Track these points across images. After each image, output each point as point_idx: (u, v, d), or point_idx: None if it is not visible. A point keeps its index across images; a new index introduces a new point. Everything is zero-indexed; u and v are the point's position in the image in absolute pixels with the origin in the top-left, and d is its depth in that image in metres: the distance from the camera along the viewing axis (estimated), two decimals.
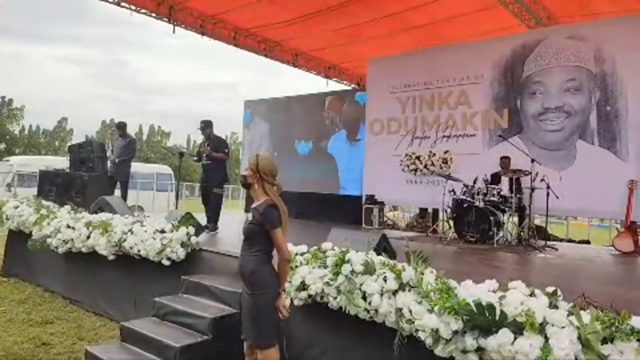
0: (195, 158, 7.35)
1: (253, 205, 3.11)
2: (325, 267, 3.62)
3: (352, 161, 10.83)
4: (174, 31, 9.90)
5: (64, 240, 6.03)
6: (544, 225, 7.83)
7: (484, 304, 2.70)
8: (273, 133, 12.61)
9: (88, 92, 78.02)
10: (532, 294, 2.79)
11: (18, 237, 7.13)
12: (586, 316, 2.53)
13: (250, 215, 3.06)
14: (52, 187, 7.95)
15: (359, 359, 3.52)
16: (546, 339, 2.53)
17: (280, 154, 12.18)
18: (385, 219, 9.89)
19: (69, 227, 6.06)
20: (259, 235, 3.00)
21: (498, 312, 2.65)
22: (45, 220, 6.49)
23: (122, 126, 9.16)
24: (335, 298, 3.48)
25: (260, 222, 2.97)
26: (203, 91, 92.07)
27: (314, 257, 3.78)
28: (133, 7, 9.27)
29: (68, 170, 8.31)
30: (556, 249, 6.93)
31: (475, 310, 2.69)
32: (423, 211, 10.79)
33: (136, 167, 16.77)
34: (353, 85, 14.03)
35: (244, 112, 13.42)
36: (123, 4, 9.12)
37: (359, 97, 11.13)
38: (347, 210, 9.81)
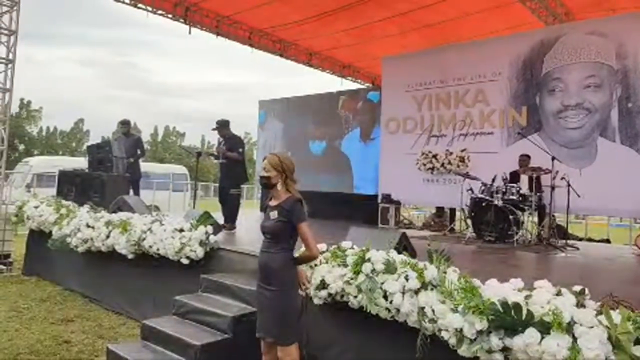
0: (214, 157, 7.38)
1: (273, 204, 3.07)
2: (346, 265, 3.59)
3: (366, 160, 10.78)
4: (189, 32, 10.00)
5: (83, 240, 6.10)
6: (564, 224, 7.71)
7: (509, 303, 2.65)
8: (287, 133, 12.61)
9: (101, 94, 79.01)
10: (558, 293, 2.74)
11: (38, 237, 7.23)
12: (616, 316, 2.47)
13: (274, 212, 3.02)
14: (71, 187, 8.03)
15: (380, 358, 3.49)
16: (574, 339, 2.48)
17: (294, 153, 12.12)
18: (401, 218, 9.83)
19: (88, 226, 6.12)
20: (285, 233, 2.99)
21: (524, 312, 2.60)
22: (65, 219, 6.57)
23: (126, 123, 9.17)
24: (355, 297, 3.45)
25: (288, 219, 2.96)
26: (215, 92, 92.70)
27: (334, 256, 3.75)
28: (150, 9, 9.35)
29: (86, 170, 8.39)
30: (577, 248, 6.82)
31: (500, 309, 2.64)
32: (440, 210, 10.70)
33: (152, 167, 16.97)
34: (367, 85, 14.00)
35: (258, 112, 13.43)
36: (140, 5, 9.20)
37: (372, 96, 11.09)
38: (361, 210, 9.78)
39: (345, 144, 11.40)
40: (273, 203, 3.08)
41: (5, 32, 7.65)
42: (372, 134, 10.81)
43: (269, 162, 3.07)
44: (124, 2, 9.10)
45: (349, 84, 13.83)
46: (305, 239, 2.99)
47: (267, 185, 3.09)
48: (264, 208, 3.21)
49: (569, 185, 6.63)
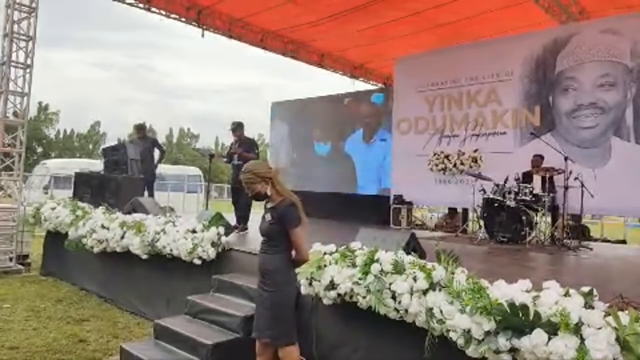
0: (226, 159, 7.45)
1: (270, 205, 3.14)
2: (354, 266, 3.61)
3: (369, 161, 10.94)
4: (202, 35, 10.11)
5: (98, 240, 6.20)
6: (586, 225, 7.63)
7: (517, 304, 2.65)
8: (293, 134, 12.75)
9: (117, 96, 79.97)
10: (566, 294, 2.73)
11: (55, 238, 7.37)
12: (625, 317, 2.46)
13: (268, 215, 3.08)
14: (87, 188, 8.16)
15: (389, 358, 3.50)
16: (582, 340, 2.47)
17: (299, 155, 12.36)
18: (413, 219, 9.81)
19: (103, 227, 6.22)
20: (280, 235, 3.04)
21: (532, 313, 2.60)
22: (80, 221, 6.68)
23: (141, 127, 9.28)
24: (364, 297, 3.46)
25: (280, 223, 3.00)
26: (228, 93, 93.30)
27: (343, 257, 3.77)
28: (163, 12, 9.47)
29: (102, 172, 8.52)
30: (591, 249, 6.75)
31: (508, 310, 2.64)
32: (452, 211, 10.66)
33: (166, 168, 17.14)
34: (381, 85, 13.99)
35: (270, 114, 13.56)
36: (153, 9, 9.33)
37: (375, 98, 11.23)
38: (374, 211, 9.78)
39: (348, 145, 11.50)
40: (269, 205, 3.16)
41: (24, 37, 7.82)
42: (375, 136, 10.92)
43: (245, 182, 3.11)
44: (137, 7, 9.24)
45: (361, 85, 13.87)
46: (298, 244, 3.04)
47: (260, 198, 3.16)
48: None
49: (582, 185, 6.56)
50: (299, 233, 3.01)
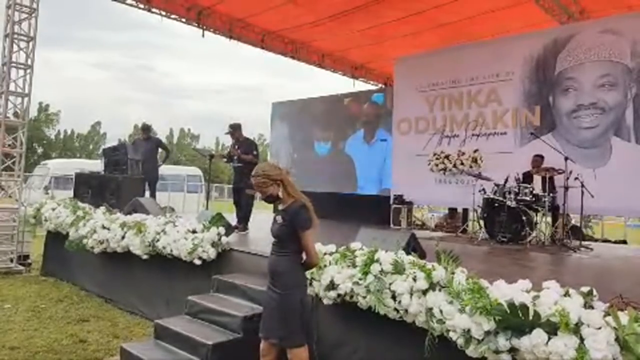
0: (226, 159, 7.46)
1: (281, 207, 3.13)
2: (355, 266, 3.62)
3: (369, 161, 10.96)
4: (203, 35, 10.12)
5: (99, 241, 6.21)
6: (579, 225, 7.63)
7: (517, 304, 2.66)
8: (293, 134, 12.78)
9: (118, 96, 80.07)
10: (566, 294, 2.73)
11: (56, 238, 7.37)
12: (624, 317, 2.46)
13: (279, 217, 3.07)
14: (88, 189, 8.17)
15: (390, 358, 3.51)
16: (582, 339, 2.47)
17: (299, 155, 12.38)
18: (413, 219, 9.81)
19: (104, 227, 6.23)
20: (291, 237, 3.02)
21: (531, 312, 2.60)
22: (81, 221, 6.68)
23: (146, 128, 9.31)
24: (364, 297, 3.47)
25: (291, 225, 3.00)
26: (228, 93, 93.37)
27: (343, 257, 3.78)
28: (163, 13, 9.48)
29: (102, 172, 8.52)
30: (591, 249, 6.75)
31: (508, 310, 2.65)
32: (452, 211, 10.66)
33: (166, 169, 17.14)
34: (380, 85, 13.99)
35: (271, 114, 13.57)
36: (154, 10, 9.34)
37: (376, 97, 11.26)
38: (373, 211, 9.78)
39: (349, 145, 11.54)
40: (280, 207, 3.14)
41: (24, 38, 7.83)
42: (375, 136, 10.94)
43: (256, 185, 3.09)
44: (138, 7, 9.25)
45: (361, 85, 13.87)
46: (308, 248, 3.02)
47: (272, 200, 3.13)
48: (276, 211, 3.25)
49: (582, 185, 6.56)
50: (309, 236, 2.99)
